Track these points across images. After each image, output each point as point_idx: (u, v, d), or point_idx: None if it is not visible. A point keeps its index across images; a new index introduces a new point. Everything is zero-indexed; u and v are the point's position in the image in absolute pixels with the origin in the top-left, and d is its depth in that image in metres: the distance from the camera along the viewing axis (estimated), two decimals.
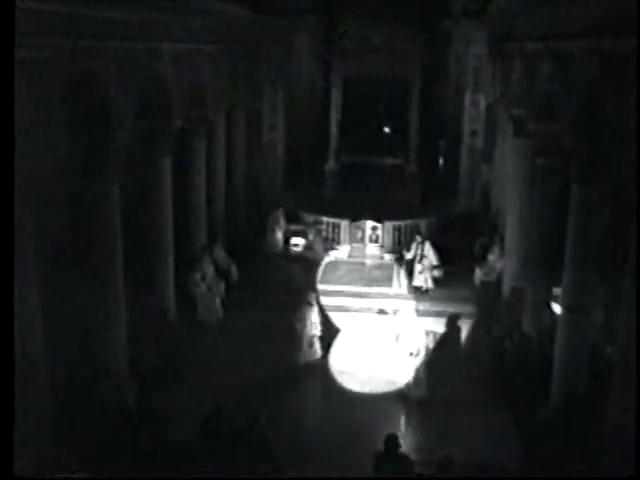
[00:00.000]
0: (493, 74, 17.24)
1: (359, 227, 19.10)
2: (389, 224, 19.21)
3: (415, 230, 19.53)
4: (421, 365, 12.59)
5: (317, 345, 13.30)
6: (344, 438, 10.75)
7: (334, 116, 21.92)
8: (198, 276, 14.73)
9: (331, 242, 19.29)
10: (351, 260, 18.32)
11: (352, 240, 19.11)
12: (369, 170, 21.51)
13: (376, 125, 22.96)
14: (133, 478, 8.70)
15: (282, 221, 19.29)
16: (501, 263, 15.68)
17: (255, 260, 17.92)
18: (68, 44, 7.97)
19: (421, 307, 15.28)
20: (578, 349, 10.42)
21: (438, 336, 14.06)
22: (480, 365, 12.93)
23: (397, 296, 16.11)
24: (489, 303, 15.22)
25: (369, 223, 18.99)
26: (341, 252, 18.77)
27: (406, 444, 8.95)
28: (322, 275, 17.38)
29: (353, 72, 21.62)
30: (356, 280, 16.98)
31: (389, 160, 21.95)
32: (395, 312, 14.65)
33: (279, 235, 19.18)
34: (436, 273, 16.64)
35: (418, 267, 16.60)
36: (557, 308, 12.09)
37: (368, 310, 15.60)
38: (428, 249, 16.84)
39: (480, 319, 14.96)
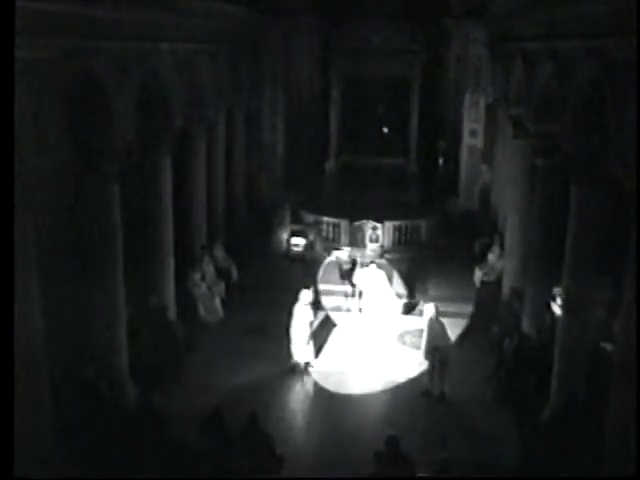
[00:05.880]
0: (493, 74, 17.24)
1: (359, 227, 19.11)
2: (389, 224, 19.23)
3: (415, 230, 19.60)
4: (421, 364, 12.64)
5: (316, 345, 13.30)
6: (343, 438, 10.76)
7: (334, 116, 21.94)
8: (198, 276, 14.72)
9: (331, 242, 19.32)
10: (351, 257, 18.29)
11: (352, 240, 19.12)
12: (369, 170, 21.54)
13: (376, 125, 22.97)
14: (133, 478, 8.70)
15: (287, 220, 19.33)
16: (501, 263, 15.68)
17: (255, 260, 17.91)
18: (68, 44, 7.97)
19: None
20: (578, 349, 10.42)
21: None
22: (480, 365, 12.92)
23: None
24: (489, 303, 15.23)
25: (369, 223, 19.00)
26: (341, 252, 18.75)
27: (405, 443, 8.92)
28: (322, 275, 17.37)
29: (353, 72, 21.67)
30: None
31: (389, 160, 21.99)
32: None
33: (283, 235, 19.22)
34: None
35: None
36: (557, 308, 12.10)
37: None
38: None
39: (480, 319, 14.97)
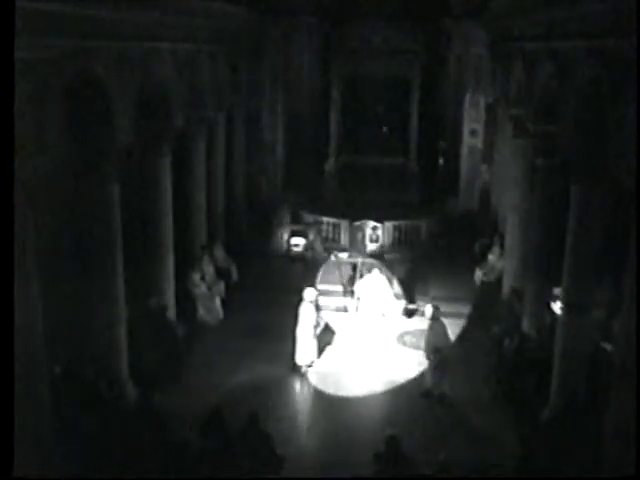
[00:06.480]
0: (493, 74, 17.23)
1: (359, 227, 19.10)
2: (389, 224, 19.23)
3: (415, 230, 19.58)
4: (421, 364, 12.63)
5: (317, 345, 13.28)
6: (343, 438, 10.76)
7: (334, 116, 21.94)
8: (198, 276, 14.72)
9: (331, 242, 19.31)
10: (351, 260, 18.30)
11: (352, 240, 19.11)
12: (369, 170, 21.54)
13: (376, 125, 22.97)
14: (133, 478, 8.70)
15: (287, 220, 19.33)
16: (501, 263, 15.68)
17: (255, 260, 17.90)
18: (68, 44, 7.97)
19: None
20: (578, 349, 10.42)
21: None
22: (480, 365, 12.92)
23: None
24: (489, 303, 15.22)
25: (369, 223, 18.99)
26: (341, 252, 18.74)
27: (405, 443, 8.93)
28: (322, 275, 17.36)
29: (353, 72, 21.68)
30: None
31: (389, 160, 21.99)
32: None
33: (283, 235, 19.21)
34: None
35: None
36: (557, 308, 12.09)
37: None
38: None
39: (480, 319, 14.97)
